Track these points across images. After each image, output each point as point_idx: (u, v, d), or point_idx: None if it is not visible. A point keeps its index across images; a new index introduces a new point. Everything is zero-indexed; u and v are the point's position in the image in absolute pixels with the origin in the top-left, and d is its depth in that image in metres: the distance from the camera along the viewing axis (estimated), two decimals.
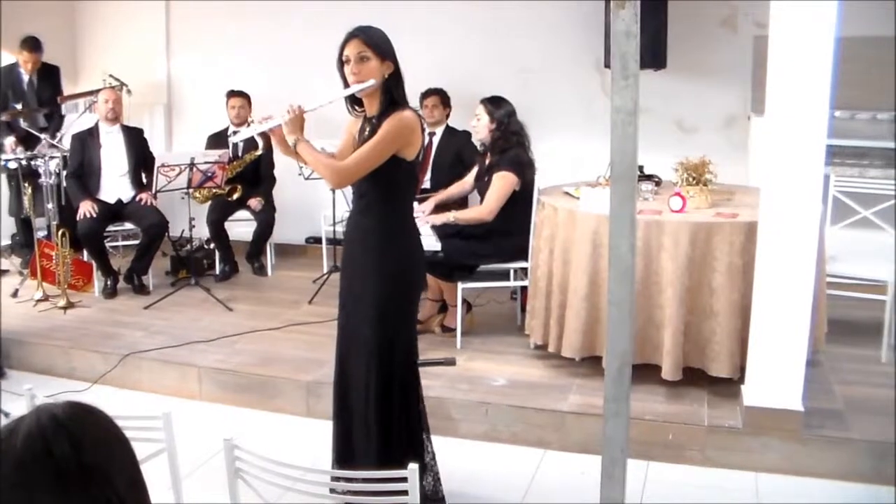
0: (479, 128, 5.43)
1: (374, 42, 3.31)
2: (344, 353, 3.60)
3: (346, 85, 3.36)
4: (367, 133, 3.41)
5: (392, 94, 3.36)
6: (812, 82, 3.82)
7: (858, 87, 5.48)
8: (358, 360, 3.51)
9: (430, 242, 5.14)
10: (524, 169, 5.32)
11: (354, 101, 3.47)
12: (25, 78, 7.22)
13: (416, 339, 3.64)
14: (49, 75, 7.38)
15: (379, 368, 3.44)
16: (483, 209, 5.32)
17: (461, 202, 5.96)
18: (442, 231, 5.30)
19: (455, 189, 5.74)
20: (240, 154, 7.01)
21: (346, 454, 3.60)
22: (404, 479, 2.19)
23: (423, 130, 3.43)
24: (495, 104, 5.42)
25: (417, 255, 3.58)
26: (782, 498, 3.95)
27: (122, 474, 1.30)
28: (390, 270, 3.45)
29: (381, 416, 3.47)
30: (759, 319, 4.11)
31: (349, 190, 5.70)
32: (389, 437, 3.49)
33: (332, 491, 2.38)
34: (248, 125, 6.32)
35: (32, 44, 7.10)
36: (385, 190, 3.42)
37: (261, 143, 6.88)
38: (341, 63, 3.35)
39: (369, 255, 3.47)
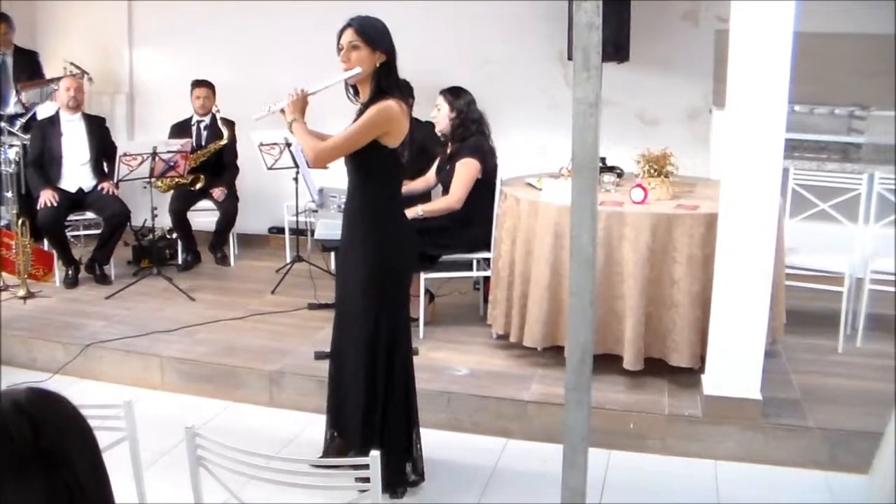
0: (440, 118, 5.47)
1: (365, 32, 3.46)
2: (338, 335, 3.79)
3: None
4: (355, 118, 3.55)
5: (381, 82, 3.48)
6: (771, 76, 3.87)
7: (817, 82, 5.55)
8: (349, 342, 3.69)
9: None
10: (486, 156, 5.36)
11: (355, 90, 3.60)
12: None
13: (405, 325, 3.74)
14: (26, 58, 7.30)
15: (366, 351, 3.58)
16: (451, 198, 5.34)
17: (425, 196, 5.96)
18: None
19: (419, 184, 5.68)
20: (203, 143, 6.97)
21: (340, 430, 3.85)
22: (366, 467, 2.20)
23: (410, 119, 3.56)
24: (454, 94, 5.46)
25: (402, 240, 3.68)
26: (741, 485, 4.00)
27: (83, 460, 1.30)
28: (373, 254, 3.58)
29: (366, 400, 3.62)
30: (719, 310, 4.17)
31: (312, 182, 5.74)
32: (374, 420, 3.65)
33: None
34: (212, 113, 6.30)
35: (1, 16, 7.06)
36: (366, 175, 3.56)
37: (226, 133, 6.84)
38: (339, 50, 3.49)
39: (355, 236, 3.63)
